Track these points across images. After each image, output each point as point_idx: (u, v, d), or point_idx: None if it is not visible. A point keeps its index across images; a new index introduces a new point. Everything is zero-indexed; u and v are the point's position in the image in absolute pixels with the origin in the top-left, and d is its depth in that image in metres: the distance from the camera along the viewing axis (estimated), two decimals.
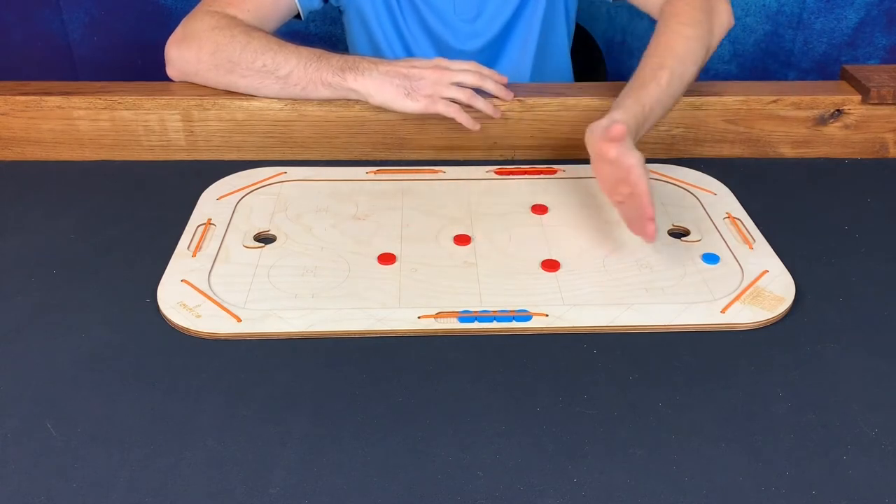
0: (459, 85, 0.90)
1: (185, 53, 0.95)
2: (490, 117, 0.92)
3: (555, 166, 0.93)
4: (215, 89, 0.94)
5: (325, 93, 0.91)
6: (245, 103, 0.93)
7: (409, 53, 1.10)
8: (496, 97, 0.93)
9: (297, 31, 1.61)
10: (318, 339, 0.66)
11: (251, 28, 0.95)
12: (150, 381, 0.62)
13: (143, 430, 0.57)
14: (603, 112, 0.94)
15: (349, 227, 0.81)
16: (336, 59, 0.91)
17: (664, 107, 0.84)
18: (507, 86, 0.94)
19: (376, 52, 1.10)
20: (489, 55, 1.10)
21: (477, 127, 0.91)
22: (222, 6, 0.97)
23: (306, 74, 0.90)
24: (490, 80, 0.92)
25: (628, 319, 0.68)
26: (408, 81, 0.89)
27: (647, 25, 1.47)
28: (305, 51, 0.92)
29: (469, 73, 0.92)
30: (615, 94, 0.94)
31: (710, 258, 0.76)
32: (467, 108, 0.91)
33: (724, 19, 0.93)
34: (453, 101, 0.90)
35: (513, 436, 0.57)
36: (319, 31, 1.64)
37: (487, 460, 0.55)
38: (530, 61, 1.11)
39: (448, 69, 0.91)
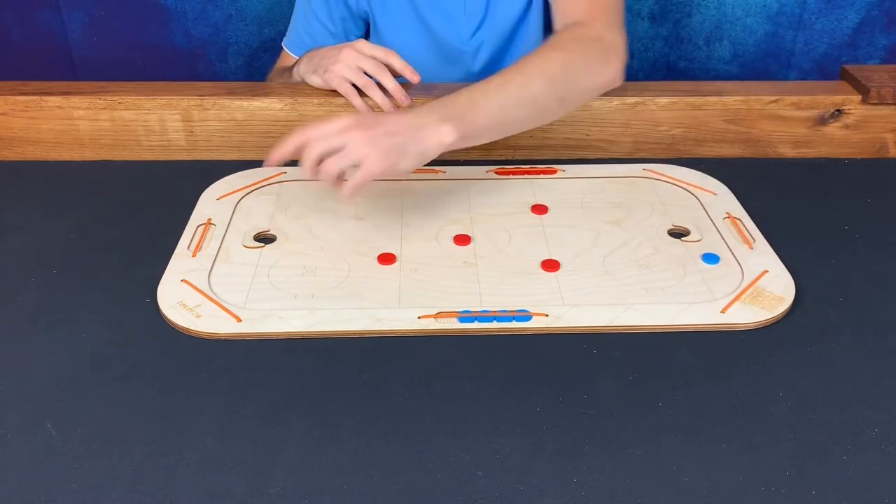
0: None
1: None
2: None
3: (555, 166, 0.93)
4: (216, 88, 0.94)
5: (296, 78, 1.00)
6: (245, 103, 0.93)
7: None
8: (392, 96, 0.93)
9: None
10: (318, 339, 0.66)
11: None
12: (150, 381, 0.62)
13: (143, 430, 0.57)
14: (602, 112, 0.94)
15: (349, 227, 0.81)
16: (307, 53, 0.99)
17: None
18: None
19: None
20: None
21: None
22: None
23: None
24: (388, 77, 0.92)
25: (628, 319, 0.68)
26: (323, 60, 0.93)
27: (646, 27, 1.47)
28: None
29: (373, 61, 0.91)
30: (614, 92, 0.94)
31: (710, 258, 0.76)
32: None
33: (602, 79, 0.88)
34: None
35: (513, 436, 0.57)
36: None
37: (487, 460, 0.55)
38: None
39: (360, 53, 0.92)
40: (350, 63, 0.91)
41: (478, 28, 1.08)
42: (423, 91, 0.94)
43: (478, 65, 1.10)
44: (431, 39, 1.09)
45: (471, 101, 0.78)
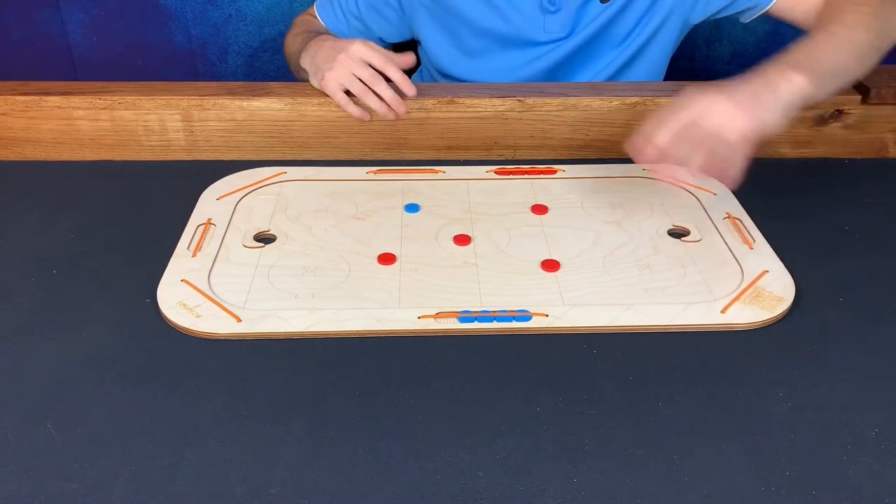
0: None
1: (286, 40, 1.14)
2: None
3: (555, 166, 0.93)
4: (216, 88, 0.95)
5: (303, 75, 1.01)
6: (245, 103, 0.93)
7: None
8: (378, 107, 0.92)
9: None
10: (318, 339, 0.66)
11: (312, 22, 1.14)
12: (150, 381, 0.62)
13: (143, 431, 0.57)
14: (603, 112, 0.94)
15: (349, 227, 0.81)
16: (313, 42, 0.99)
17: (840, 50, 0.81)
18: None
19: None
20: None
21: (366, 117, 0.92)
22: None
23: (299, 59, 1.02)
24: (383, 85, 0.91)
25: (628, 319, 0.68)
26: (322, 63, 0.93)
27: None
28: (312, 36, 1.03)
29: (369, 70, 0.90)
30: (614, 92, 0.94)
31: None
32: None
33: None
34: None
35: (513, 436, 0.57)
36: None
37: (487, 460, 0.55)
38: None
39: (357, 58, 0.90)
40: (345, 69, 0.91)
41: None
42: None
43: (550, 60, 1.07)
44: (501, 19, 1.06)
45: (806, 54, 0.78)
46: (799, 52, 0.78)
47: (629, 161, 0.94)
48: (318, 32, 1.08)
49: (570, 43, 1.05)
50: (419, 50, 1.17)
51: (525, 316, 0.68)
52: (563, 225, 0.82)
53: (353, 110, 0.92)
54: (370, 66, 0.91)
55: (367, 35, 1.12)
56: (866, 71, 0.84)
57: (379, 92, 0.91)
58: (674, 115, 0.73)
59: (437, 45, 1.10)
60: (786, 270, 0.74)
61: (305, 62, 0.98)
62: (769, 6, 1.00)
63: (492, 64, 1.07)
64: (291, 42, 1.10)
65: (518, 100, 0.93)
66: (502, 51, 1.07)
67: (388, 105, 0.91)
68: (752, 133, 0.72)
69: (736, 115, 0.72)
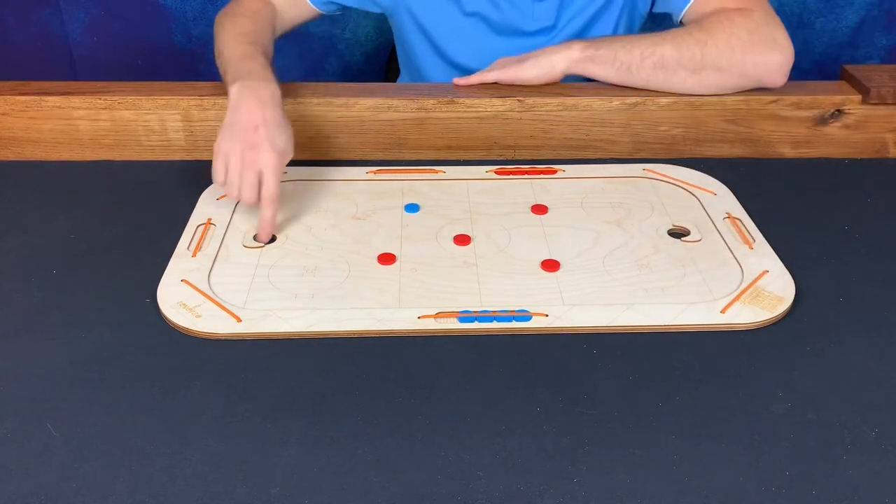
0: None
1: (217, 19, 1.02)
2: None
3: (555, 166, 0.93)
4: (216, 88, 0.95)
5: None
6: None
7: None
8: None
9: (296, 31, 1.61)
10: (318, 339, 0.66)
11: (255, 18, 1.00)
12: (150, 381, 0.62)
13: (143, 430, 0.57)
14: (602, 112, 0.94)
15: (349, 227, 0.81)
16: (245, 79, 0.84)
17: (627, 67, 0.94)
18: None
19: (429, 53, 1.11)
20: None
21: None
22: None
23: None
24: (248, 194, 0.78)
25: (628, 319, 0.68)
26: (234, 128, 0.79)
27: (646, 27, 1.47)
28: (239, 61, 0.88)
29: (252, 179, 0.77)
30: (614, 93, 0.94)
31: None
32: None
33: (755, 70, 0.92)
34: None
35: (513, 436, 0.57)
36: (318, 31, 1.64)
37: (487, 460, 0.55)
38: None
39: (252, 160, 0.77)
40: (238, 159, 0.78)
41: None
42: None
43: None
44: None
45: (604, 38, 0.97)
46: (596, 39, 0.97)
47: (629, 161, 0.95)
48: (257, 46, 0.92)
49: (557, 38, 1.06)
50: (399, 56, 1.18)
51: (525, 316, 0.68)
52: (563, 225, 0.82)
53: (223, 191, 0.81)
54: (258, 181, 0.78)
55: None
56: (682, 88, 0.94)
57: (242, 198, 0.78)
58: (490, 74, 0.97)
59: (421, 54, 1.11)
60: (786, 270, 0.74)
61: (228, 85, 0.84)
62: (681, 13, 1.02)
63: (481, 55, 1.06)
64: (230, 39, 0.94)
65: (518, 100, 0.93)
66: (491, 39, 1.07)
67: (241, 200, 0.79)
68: (506, 73, 0.96)
69: (503, 62, 0.99)
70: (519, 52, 1.01)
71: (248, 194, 0.78)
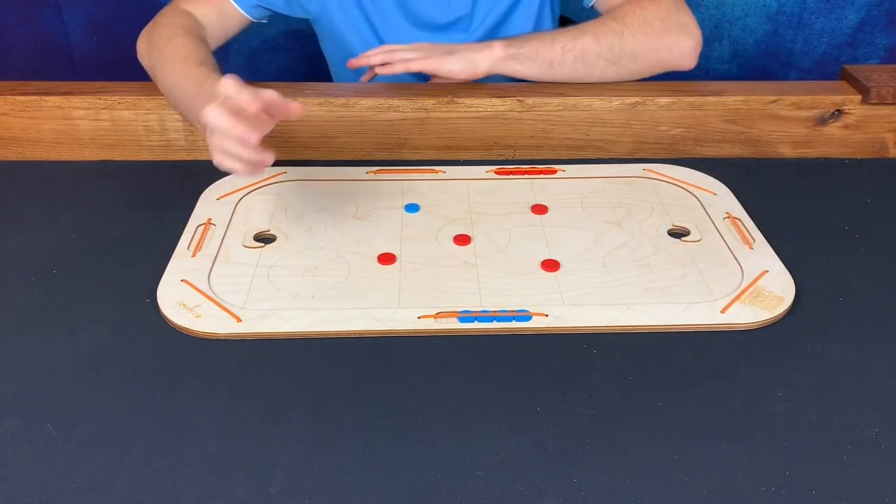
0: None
1: (141, 46, 0.99)
2: None
3: (555, 166, 0.93)
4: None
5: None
6: None
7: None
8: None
9: (296, 30, 1.61)
10: (318, 339, 0.66)
11: (189, 36, 0.93)
12: (150, 381, 0.62)
13: (143, 430, 0.57)
14: (602, 112, 0.94)
15: (349, 227, 0.81)
16: (199, 95, 0.80)
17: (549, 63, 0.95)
18: None
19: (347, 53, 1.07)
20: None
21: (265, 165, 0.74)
22: (186, 4, 1.01)
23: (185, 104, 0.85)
24: (236, 151, 0.70)
25: (628, 319, 0.68)
26: (203, 130, 0.74)
27: None
28: (203, 81, 0.82)
29: (227, 140, 0.70)
30: (614, 93, 0.94)
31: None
32: None
33: (668, 55, 0.96)
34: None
35: (513, 436, 0.57)
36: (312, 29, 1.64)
37: (487, 460, 0.55)
38: None
39: (212, 137, 0.71)
40: (217, 148, 0.72)
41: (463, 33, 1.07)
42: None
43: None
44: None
45: (524, 36, 0.96)
46: (517, 36, 0.97)
47: (629, 161, 0.95)
48: (208, 65, 0.87)
49: (473, 35, 1.06)
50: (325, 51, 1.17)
51: (525, 316, 0.68)
52: (563, 225, 0.82)
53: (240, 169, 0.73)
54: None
55: None
56: (602, 78, 0.97)
57: (242, 157, 0.71)
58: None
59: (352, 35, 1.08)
60: (786, 270, 0.74)
61: (197, 109, 0.77)
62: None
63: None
64: (177, 64, 0.88)
65: (518, 100, 0.93)
66: (409, 32, 1.06)
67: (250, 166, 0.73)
68: (427, 66, 0.95)
69: (425, 52, 0.96)
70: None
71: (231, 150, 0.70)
